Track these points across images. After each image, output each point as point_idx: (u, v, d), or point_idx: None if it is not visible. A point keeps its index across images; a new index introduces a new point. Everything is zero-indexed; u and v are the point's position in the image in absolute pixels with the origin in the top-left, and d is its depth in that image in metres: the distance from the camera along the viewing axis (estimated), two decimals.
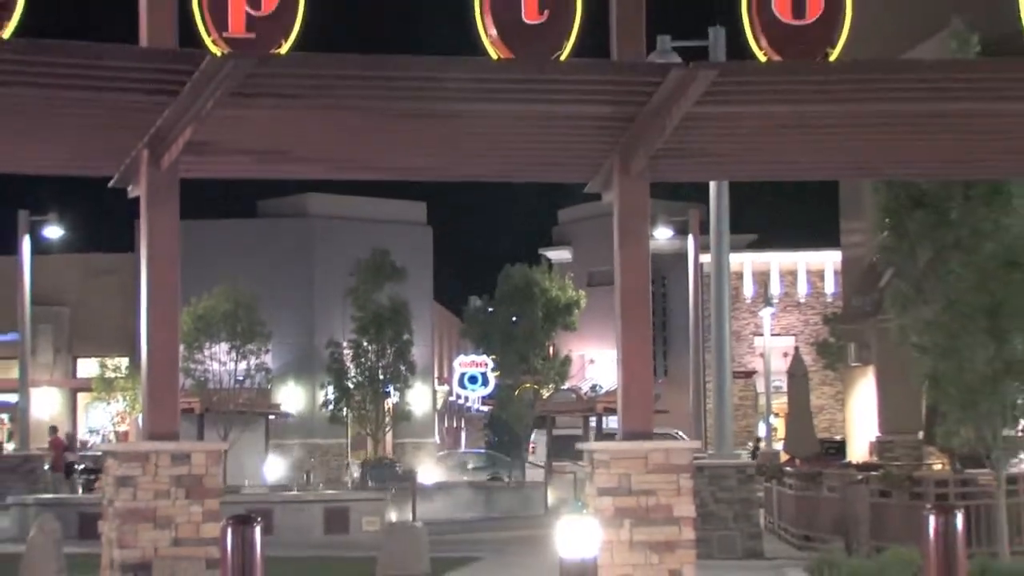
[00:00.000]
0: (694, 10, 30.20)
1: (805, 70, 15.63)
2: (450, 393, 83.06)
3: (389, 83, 15.44)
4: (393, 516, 33.53)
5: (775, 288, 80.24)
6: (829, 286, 78.00)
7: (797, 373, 46.67)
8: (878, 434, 47.22)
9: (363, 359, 59.12)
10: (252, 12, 14.91)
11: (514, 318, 61.37)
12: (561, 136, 16.64)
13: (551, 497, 44.40)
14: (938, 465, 33.82)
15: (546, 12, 15.37)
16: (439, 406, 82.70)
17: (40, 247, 51.52)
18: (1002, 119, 16.64)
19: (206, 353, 53.39)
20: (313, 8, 15.11)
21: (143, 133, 15.36)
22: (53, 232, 52.08)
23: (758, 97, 15.96)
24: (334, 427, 64.37)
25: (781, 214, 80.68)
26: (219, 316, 53.70)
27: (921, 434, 35.02)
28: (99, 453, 37.73)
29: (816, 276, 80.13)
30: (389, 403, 60.77)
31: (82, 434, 73.16)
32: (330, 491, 44.26)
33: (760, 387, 73.73)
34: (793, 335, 75.55)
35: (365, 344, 58.96)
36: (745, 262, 77.27)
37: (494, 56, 15.40)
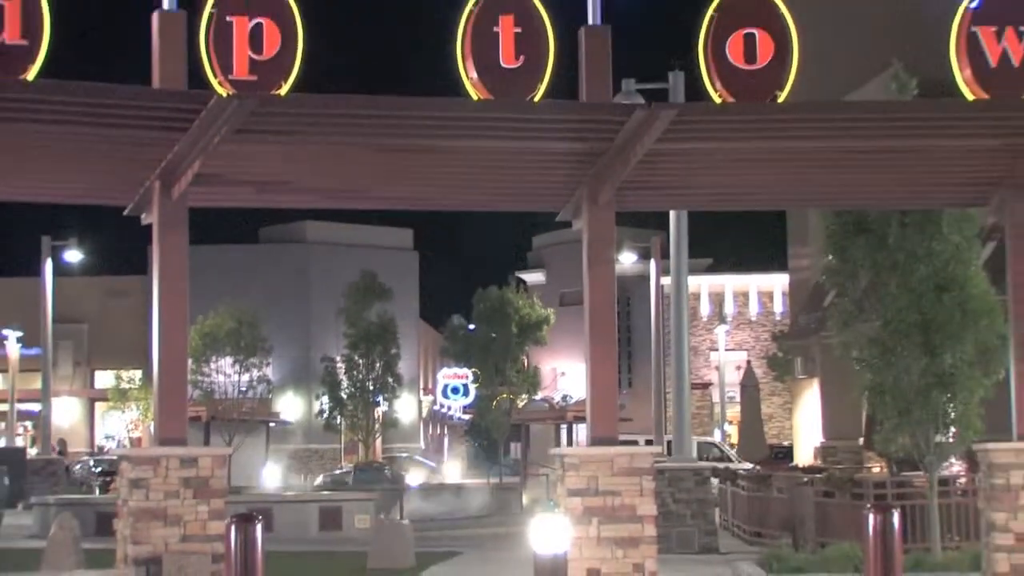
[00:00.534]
0: (655, 55, 30.21)
1: (756, 110, 15.64)
2: (434, 403, 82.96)
3: (379, 121, 15.43)
4: (382, 515, 33.44)
5: (729, 307, 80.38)
6: (778, 306, 78.09)
7: (749, 385, 46.74)
8: (822, 440, 47.24)
9: (355, 372, 59.08)
10: (255, 56, 14.90)
11: (492, 334, 61.46)
12: (535, 169, 16.64)
13: (526, 497, 44.35)
14: (877, 468, 33.83)
15: (522, 57, 15.39)
16: (424, 414, 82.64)
17: (61, 270, 51.41)
18: (934, 154, 16.67)
19: (212, 366, 53.35)
20: (311, 49, 15.11)
21: (155, 166, 15.33)
22: (73, 256, 52.01)
23: (714, 135, 15.98)
24: (328, 434, 64.35)
25: (734, 240, 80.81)
26: (224, 333, 53.67)
27: (861, 440, 35.03)
28: (115, 457, 37.61)
29: (766, 297, 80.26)
30: (379, 412, 60.72)
31: (99, 440, 73.07)
32: (325, 492, 44.15)
33: (716, 397, 73.74)
34: (745, 350, 75.57)
35: (356, 358, 58.93)
36: (702, 284, 77.35)
37: (475, 96, 15.40)
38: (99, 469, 48.78)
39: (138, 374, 58.91)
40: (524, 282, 79.21)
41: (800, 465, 44.95)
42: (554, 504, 27.37)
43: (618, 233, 17.10)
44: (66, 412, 71.87)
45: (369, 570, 23.89)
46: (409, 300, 74.16)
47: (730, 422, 68.22)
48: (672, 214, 29.19)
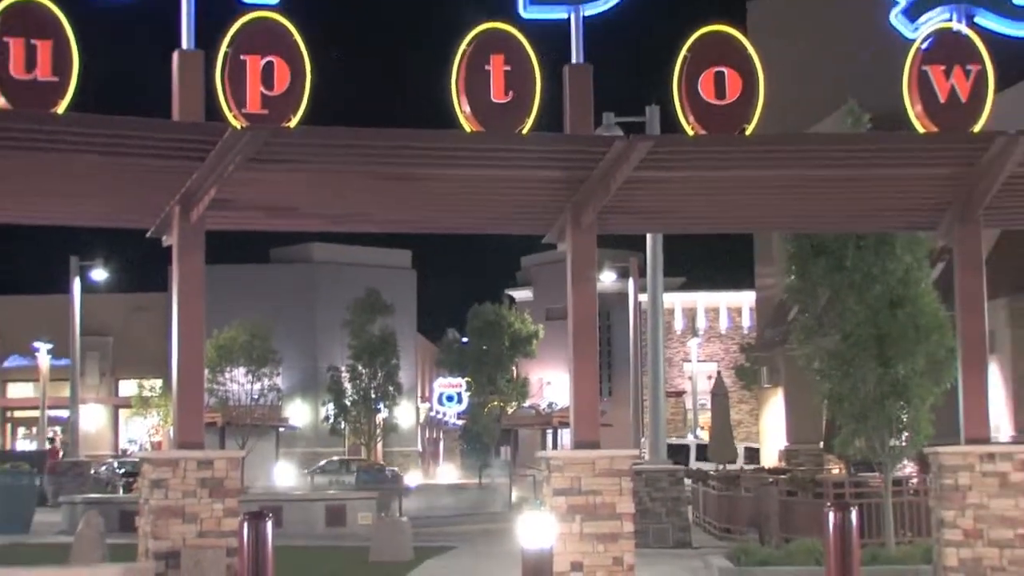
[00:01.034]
0: (634, 91, 30.25)
1: (726, 142, 15.66)
2: (430, 409, 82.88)
3: (379, 151, 15.44)
4: (383, 512, 33.38)
5: (701, 322, 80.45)
6: (745, 320, 78.22)
7: (719, 393, 46.68)
8: (786, 444, 47.36)
9: (358, 381, 59.09)
10: (266, 92, 14.91)
11: (484, 347, 61.45)
12: (523, 195, 16.64)
13: (514, 496, 44.31)
14: (836, 470, 33.87)
15: (511, 93, 15.40)
16: (421, 420, 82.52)
17: (88, 287, 51.36)
18: (887, 182, 16.69)
19: (226, 376, 53.32)
20: (319, 83, 15.12)
21: (175, 192, 15.32)
22: (99, 275, 51.96)
23: (687, 164, 15.99)
24: (334, 438, 64.28)
25: (706, 261, 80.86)
26: (238, 345, 53.64)
27: (822, 444, 35.01)
28: (137, 460, 37.54)
29: (735, 312, 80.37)
30: (380, 418, 60.70)
31: (122, 444, 72.97)
32: (330, 491, 44.10)
33: (688, 404, 73.81)
34: (716, 361, 75.66)
35: (360, 368, 58.96)
36: (676, 301, 77.42)
37: (468, 129, 15.41)
38: (123, 470, 48.67)
39: (159, 383, 58.78)
40: (513, 299, 79.18)
41: (766, 467, 45.02)
42: (540, 503, 27.34)
43: (599, 254, 17.08)
44: (93, 418, 71.74)
45: (371, 563, 23.86)
46: (408, 315, 74.10)
47: (702, 427, 68.25)
48: (649, 237, 29.23)
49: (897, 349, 21.65)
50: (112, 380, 75.32)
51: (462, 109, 15.38)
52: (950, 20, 15.94)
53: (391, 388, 59.45)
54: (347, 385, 59.49)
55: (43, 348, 58.36)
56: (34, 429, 65.89)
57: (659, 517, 27.41)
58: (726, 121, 15.53)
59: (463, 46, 15.39)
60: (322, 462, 58.33)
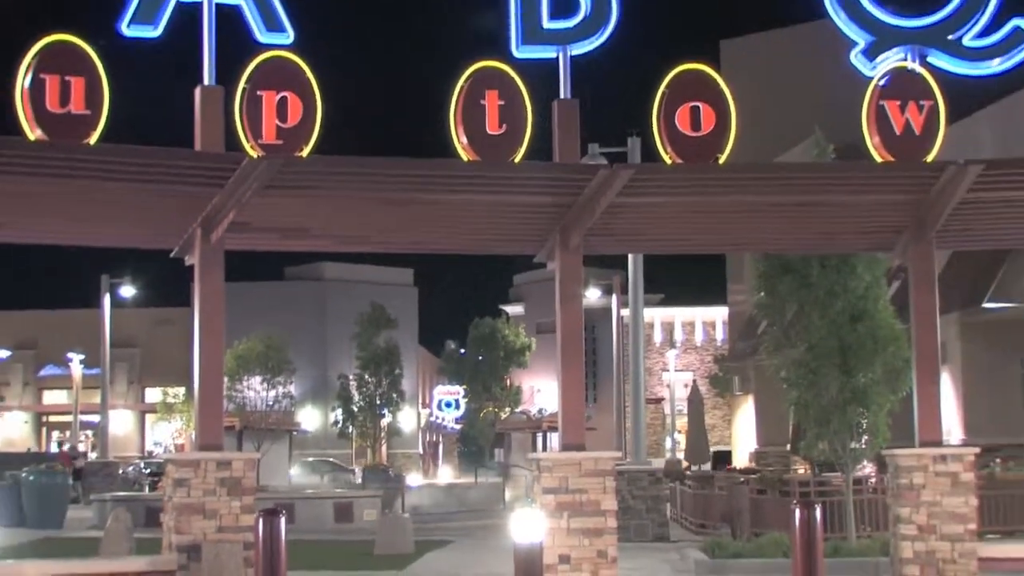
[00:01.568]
0: (616, 124, 30.30)
1: (701, 170, 15.66)
2: (430, 415, 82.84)
3: (384, 178, 15.43)
4: (386, 509, 33.33)
5: (678, 335, 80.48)
6: (719, 334, 78.24)
7: (695, 400, 46.82)
8: (756, 446, 47.32)
9: (364, 388, 59.14)
10: (280, 124, 14.91)
11: (480, 357, 61.53)
12: (515, 219, 16.63)
13: (507, 494, 44.25)
14: (801, 470, 33.85)
15: (504, 125, 15.40)
16: (422, 424, 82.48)
17: (117, 303, 51.40)
18: (849, 207, 16.70)
19: (244, 384, 53.24)
20: (329, 114, 15.14)
21: (197, 216, 15.31)
22: (127, 291, 52.07)
23: (665, 191, 16.00)
24: (342, 440, 64.29)
25: (683, 279, 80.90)
26: (254, 356, 53.60)
27: (788, 446, 35.03)
28: (161, 461, 37.49)
29: (709, 326, 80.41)
30: (384, 422, 60.69)
31: (148, 446, 72.92)
32: (339, 490, 44.01)
33: (667, 410, 73.76)
34: (692, 371, 75.68)
35: (366, 377, 59.00)
36: (655, 315, 77.46)
37: (465, 158, 15.41)
38: (148, 470, 48.61)
39: (182, 390, 58.81)
40: (506, 314, 79.24)
41: (737, 467, 45.02)
42: (531, 500, 27.31)
43: (585, 272, 17.09)
44: (121, 423, 71.71)
45: (376, 556, 23.84)
46: (410, 328, 74.10)
47: (679, 431, 68.27)
48: (630, 257, 29.29)
49: (857, 359, 21.67)
50: (139, 388, 75.32)
51: (460, 139, 15.39)
52: (905, 59, 15.99)
53: (395, 395, 59.49)
54: (354, 392, 59.54)
55: (76, 358, 58.40)
56: (67, 433, 65.85)
57: (640, 514, 27.38)
58: (701, 151, 15.54)
59: (461, 82, 15.40)
60: (311, 458, 57.83)
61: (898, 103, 15.75)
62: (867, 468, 25.90)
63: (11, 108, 14.23)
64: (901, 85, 15.81)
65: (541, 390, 76.77)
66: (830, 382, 21.77)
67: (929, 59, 16.01)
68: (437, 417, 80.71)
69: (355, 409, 59.78)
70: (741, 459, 53.04)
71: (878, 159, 15.81)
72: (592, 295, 48.56)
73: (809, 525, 13.14)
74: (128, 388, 74.61)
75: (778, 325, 23.41)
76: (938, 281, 16.95)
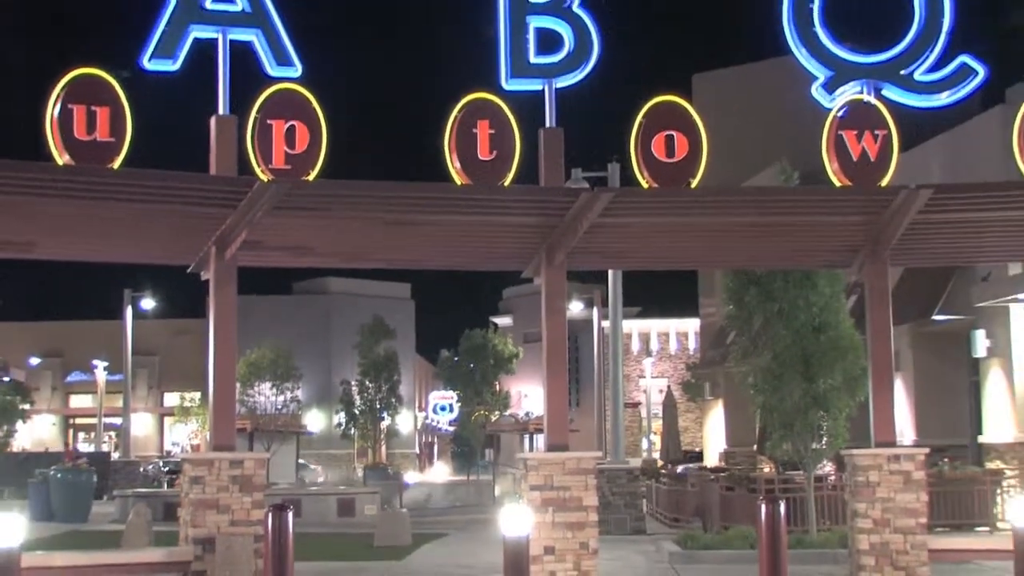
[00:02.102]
0: (598, 150, 30.31)
1: (675, 193, 15.67)
2: (426, 417, 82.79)
3: (384, 200, 15.42)
4: (386, 505, 33.27)
5: (654, 344, 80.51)
6: (691, 343, 78.28)
7: (669, 404, 46.77)
8: (725, 447, 47.28)
9: (365, 393, 58.98)
10: (289, 151, 14.89)
11: (472, 365, 61.47)
12: (505, 238, 16.63)
13: (497, 491, 44.21)
14: (767, 469, 33.84)
15: (495, 152, 15.40)
16: (418, 427, 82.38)
17: (138, 314, 51.27)
18: (810, 228, 16.72)
19: (255, 389, 53.26)
20: (334, 141, 15.13)
21: (211, 235, 15.29)
22: (147, 304, 51.94)
23: (642, 212, 16.00)
24: (344, 441, 64.15)
25: (658, 293, 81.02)
26: (265, 363, 53.61)
27: (755, 447, 35.10)
28: (179, 460, 37.38)
29: (682, 336, 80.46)
30: (384, 424, 60.58)
31: (167, 446, 72.76)
32: (341, 486, 43.94)
33: (643, 414, 73.76)
34: (666, 377, 75.65)
35: (367, 383, 58.85)
36: (633, 327, 77.54)
37: (458, 181, 15.41)
38: (167, 468, 48.52)
39: (198, 395, 58.63)
40: (496, 325, 79.20)
41: (708, 466, 44.98)
42: (519, 497, 27.28)
43: (568, 287, 17.09)
44: (142, 425, 71.57)
45: (376, 547, 23.80)
46: (407, 338, 74.09)
47: (654, 433, 68.26)
48: (610, 273, 29.28)
49: (819, 367, 21.72)
50: (158, 393, 75.16)
51: (453, 165, 15.39)
52: (861, 93, 16.02)
53: (393, 400, 59.36)
54: (356, 397, 59.38)
55: (100, 365, 58.35)
56: (92, 434, 65.69)
57: (618, 509, 27.37)
58: (675, 176, 15.54)
59: (454, 112, 15.41)
60: (301, 460, 57.33)
61: (855, 132, 15.79)
62: (827, 467, 25.92)
63: (42, 135, 14.23)
64: (858, 116, 15.84)
65: (528, 395, 76.72)
66: (793, 388, 21.80)
67: (883, 92, 16.05)
68: (432, 420, 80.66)
69: (357, 412, 59.62)
70: (712, 458, 53.00)
71: (837, 184, 15.83)
72: (575, 308, 48.49)
73: (774, 519, 13.12)
74: (148, 393, 74.43)
75: (746, 335, 23.46)
76: (892, 295, 16.97)
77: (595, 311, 43.74)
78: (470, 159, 15.33)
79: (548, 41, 15.90)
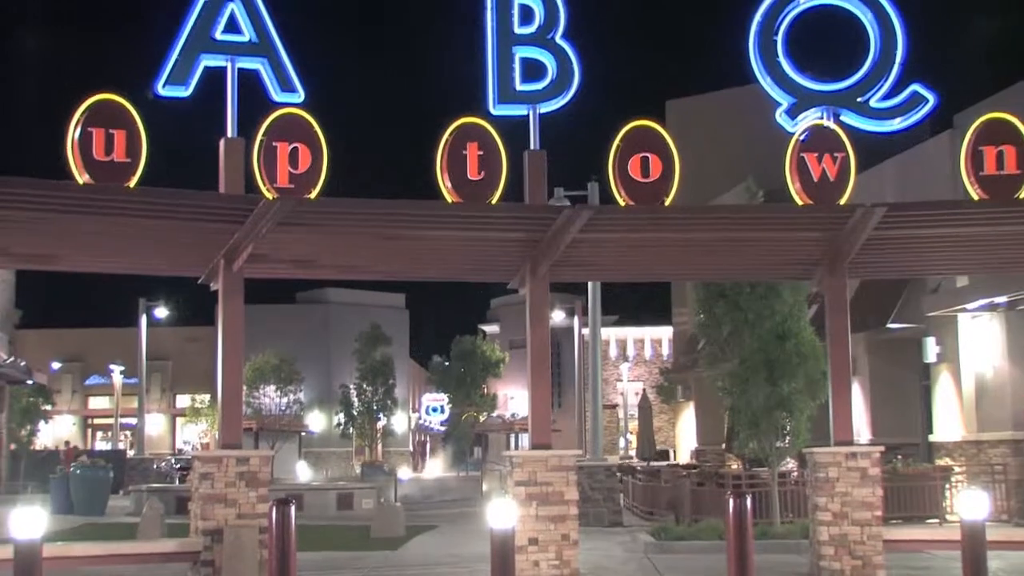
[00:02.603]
0: (578, 170, 30.31)
1: (649, 211, 15.68)
2: (420, 418, 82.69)
3: (380, 217, 15.41)
4: (382, 499, 33.20)
5: (630, 350, 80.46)
6: (665, 349, 78.24)
7: (644, 406, 46.64)
8: (696, 445, 47.24)
9: (363, 396, 59.00)
10: (292, 171, 14.87)
11: (462, 369, 61.44)
12: (492, 252, 16.63)
13: (485, 487, 44.16)
14: (735, 465, 33.86)
15: (483, 172, 15.39)
16: (412, 427, 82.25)
17: (152, 322, 51.13)
18: (774, 243, 16.75)
19: (260, 392, 53.21)
20: (334, 161, 15.12)
21: (220, 249, 15.27)
22: (161, 312, 51.77)
23: (619, 228, 16.02)
24: (343, 440, 64.05)
25: (634, 303, 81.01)
26: (269, 368, 53.56)
27: (724, 445, 35.11)
28: (189, 457, 37.29)
29: (657, 343, 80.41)
30: (380, 425, 60.52)
31: (178, 444, 72.53)
32: (340, 482, 43.83)
33: (620, 415, 73.75)
34: (642, 381, 75.61)
35: (364, 386, 58.88)
36: (611, 334, 77.51)
37: (449, 200, 15.41)
38: (178, 465, 48.35)
39: (207, 397, 58.57)
40: (484, 332, 79.17)
41: (680, 463, 44.99)
42: (505, 492, 27.24)
43: (551, 297, 17.08)
44: (155, 425, 71.28)
45: (372, 538, 23.76)
46: (402, 345, 73.95)
47: (631, 432, 68.26)
48: (590, 284, 29.29)
49: (783, 372, 21.75)
50: (171, 395, 74.90)
51: (444, 184, 15.38)
52: (821, 118, 16.07)
53: (389, 402, 59.37)
54: (355, 399, 59.38)
55: (117, 370, 58.10)
56: (109, 433, 65.47)
57: (597, 503, 27.34)
58: (650, 195, 15.56)
59: (446, 135, 15.40)
60: (299, 461, 57.12)
61: (816, 155, 15.82)
62: (790, 464, 25.96)
63: (63, 157, 14.21)
64: (818, 140, 15.88)
65: (514, 397, 76.71)
66: (759, 391, 21.83)
67: (842, 118, 16.10)
68: (425, 420, 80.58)
69: (355, 413, 59.61)
70: (684, 456, 53.00)
71: (799, 202, 15.87)
72: (557, 316, 48.54)
73: (741, 512, 13.13)
74: (161, 395, 74.18)
75: (715, 343, 23.49)
76: (850, 305, 17.01)
77: (576, 319, 43.80)
78: (460, 179, 15.32)
79: (532, 70, 15.93)
